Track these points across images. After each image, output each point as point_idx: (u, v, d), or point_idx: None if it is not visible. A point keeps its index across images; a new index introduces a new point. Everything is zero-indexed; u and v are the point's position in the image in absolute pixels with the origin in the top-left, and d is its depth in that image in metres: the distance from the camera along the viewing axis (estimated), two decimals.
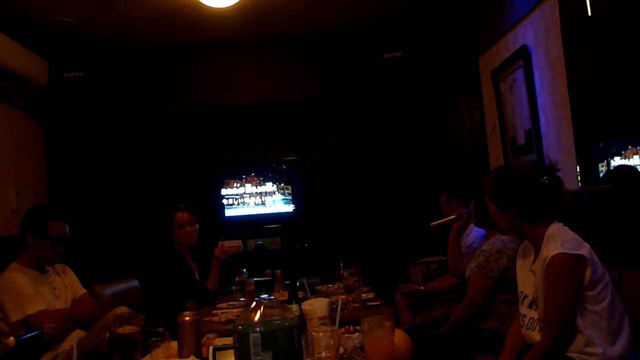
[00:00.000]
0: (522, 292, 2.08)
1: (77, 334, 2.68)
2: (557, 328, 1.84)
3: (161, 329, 2.01)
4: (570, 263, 1.83)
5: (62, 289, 2.84)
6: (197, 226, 3.56)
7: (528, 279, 2.04)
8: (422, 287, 3.53)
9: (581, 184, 2.93)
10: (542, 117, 3.40)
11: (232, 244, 5.11)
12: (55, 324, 2.48)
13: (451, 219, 3.25)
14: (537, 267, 1.96)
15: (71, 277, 2.95)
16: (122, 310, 2.01)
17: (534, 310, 1.98)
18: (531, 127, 3.49)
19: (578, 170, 2.95)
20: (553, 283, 1.84)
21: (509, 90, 3.85)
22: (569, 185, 3.03)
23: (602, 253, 1.97)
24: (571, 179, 3.01)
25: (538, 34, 3.35)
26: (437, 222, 3.33)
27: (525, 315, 2.03)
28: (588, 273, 1.84)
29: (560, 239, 1.88)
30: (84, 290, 2.98)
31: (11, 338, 1.59)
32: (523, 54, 3.51)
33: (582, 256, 1.84)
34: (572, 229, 1.97)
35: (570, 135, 3.02)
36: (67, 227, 2.81)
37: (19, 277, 2.64)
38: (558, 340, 1.85)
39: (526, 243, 2.13)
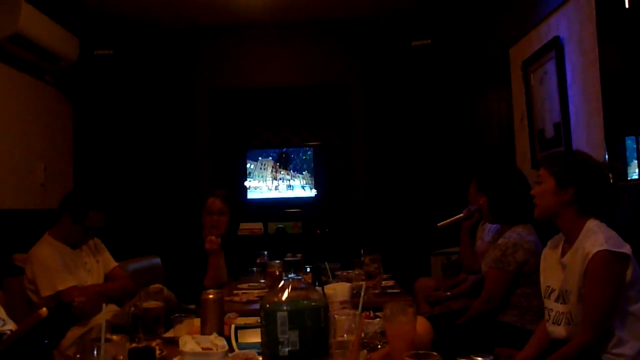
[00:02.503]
0: (548, 286, 2.04)
1: (111, 309, 2.73)
2: (597, 326, 1.81)
3: (193, 306, 2.02)
4: (614, 261, 1.80)
5: (94, 263, 2.88)
6: (228, 218, 3.39)
7: (555, 272, 2.01)
8: (449, 293, 3.50)
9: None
10: (572, 111, 3.34)
11: (254, 227, 5.17)
12: (86, 298, 2.53)
13: (460, 217, 3.16)
14: (569, 260, 1.93)
15: (102, 251, 2.99)
16: (157, 288, 2.04)
17: (561, 304, 1.95)
18: (560, 121, 3.43)
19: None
20: (596, 280, 1.81)
21: (539, 82, 3.79)
22: None
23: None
24: None
25: (572, 26, 3.29)
26: (444, 222, 3.18)
27: (551, 310, 2.00)
28: (629, 272, 1.81)
29: (603, 235, 1.84)
30: (115, 264, 3.01)
31: (44, 309, 1.62)
32: (555, 46, 3.45)
33: (626, 255, 1.81)
34: None
35: (601, 129, 2.97)
36: (105, 218, 2.82)
37: (51, 251, 2.68)
38: (597, 339, 1.82)
39: (555, 238, 2.10)
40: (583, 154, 2.05)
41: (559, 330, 1.95)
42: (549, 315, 2.02)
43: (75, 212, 2.73)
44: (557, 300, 1.98)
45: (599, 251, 1.80)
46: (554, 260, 2.04)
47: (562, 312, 1.95)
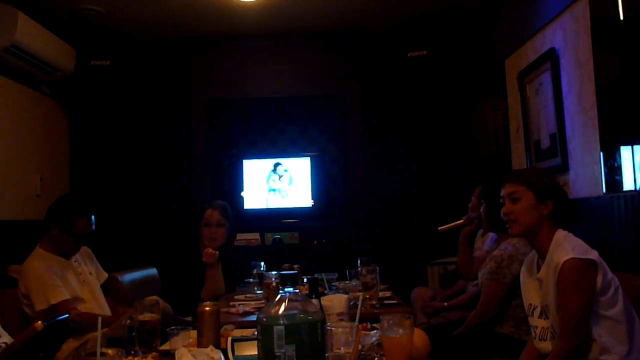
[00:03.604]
0: (530, 304, 2.06)
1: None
2: (574, 333, 1.82)
3: (189, 318, 2.01)
4: (582, 267, 1.83)
5: (87, 274, 2.87)
6: (226, 230, 3.38)
7: (534, 289, 2.03)
8: (446, 304, 3.50)
9: (605, 190, 2.90)
10: (567, 121, 3.36)
11: (251, 237, 5.16)
12: (81, 311, 2.52)
13: (459, 223, 3.20)
14: (543, 274, 1.95)
15: (94, 262, 2.98)
16: (153, 300, 2.03)
17: (544, 319, 1.96)
18: (556, 131, 3.45)
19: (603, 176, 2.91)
20: (567, 288, 1.83)
21: (534, 93, 3.81)
22: (593, 192, 3.01)
23: (626, 261, 1.95)
24: (595, 185, 2.98)
25: (567, 37, 3.31)
26: (445, 226, 3.25)
27: (536, 327, 2.01)
28: (599, 277, 1.83)
29: (569, 245, 1.89)
30: (105, 275, 3.02)
31: (39, 322, 1.62)
32: (551, 57, 3.47)
33: (593, 261, 1.84)
34: (595, 236, 1.96)
35: (597, 140, 2.98)
36: (93, 222, 2.79)
37: (44, 265, 2.66)
38: (575, 346, 1.83)
39: (530, 256, 2.12)
40: (544, 171, 2.12)
41: (546, 346, 1.96)
42: (534, 332, 2.03)
43: (61, 222, 2.71)
44: (540, 316, 2.00)
45: (566, 260, 1.83)
46: (532, 277, 2.06)
47: (546, 328, 1.96)
